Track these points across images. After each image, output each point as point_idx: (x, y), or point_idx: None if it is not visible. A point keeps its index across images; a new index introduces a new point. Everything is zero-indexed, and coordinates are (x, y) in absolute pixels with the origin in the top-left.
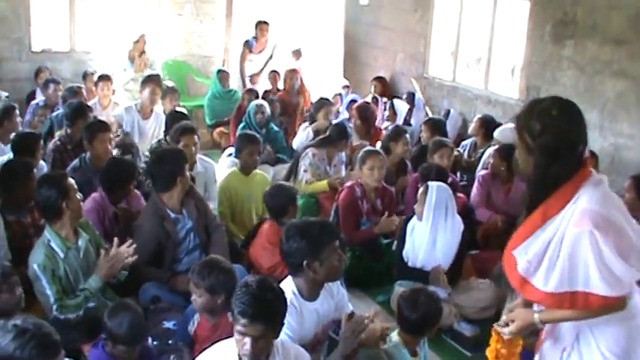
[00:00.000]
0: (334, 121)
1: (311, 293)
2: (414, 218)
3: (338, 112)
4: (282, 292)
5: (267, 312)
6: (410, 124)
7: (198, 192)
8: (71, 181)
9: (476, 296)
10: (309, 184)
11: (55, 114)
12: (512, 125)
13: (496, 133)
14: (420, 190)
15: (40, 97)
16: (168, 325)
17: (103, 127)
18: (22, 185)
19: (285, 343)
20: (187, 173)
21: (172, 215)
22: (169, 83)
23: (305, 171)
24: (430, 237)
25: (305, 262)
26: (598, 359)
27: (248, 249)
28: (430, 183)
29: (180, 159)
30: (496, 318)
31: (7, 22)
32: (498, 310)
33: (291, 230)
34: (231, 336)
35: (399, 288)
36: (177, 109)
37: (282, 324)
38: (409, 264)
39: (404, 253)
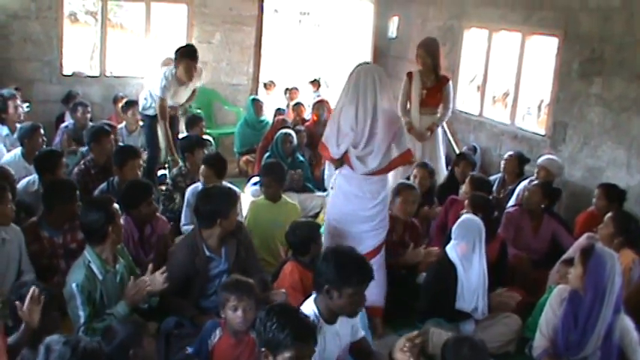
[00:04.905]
0: None
1: (330, 316)
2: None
3: None
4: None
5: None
6: None
7: (249, 237)
8: (116, 206)
9: (499, 331)
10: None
11: None
12: (554, 157)
13: (541, 160)
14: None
15: (69, 120)
16: (191, 350)
17: (133, 154)
18: (63, 205)
19: None
20: (234, 216)
21: (207, 253)
22: (196, 110)
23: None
24: (482, 275)
25: (326, 287)
26: None
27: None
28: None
29: (225, 201)
30: (520, 350)
31: (39, 44)
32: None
33: (331, 253)
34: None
35: (434, 328)
36: (204, 136)
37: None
38: (458, 306)
39: (458, 296)
